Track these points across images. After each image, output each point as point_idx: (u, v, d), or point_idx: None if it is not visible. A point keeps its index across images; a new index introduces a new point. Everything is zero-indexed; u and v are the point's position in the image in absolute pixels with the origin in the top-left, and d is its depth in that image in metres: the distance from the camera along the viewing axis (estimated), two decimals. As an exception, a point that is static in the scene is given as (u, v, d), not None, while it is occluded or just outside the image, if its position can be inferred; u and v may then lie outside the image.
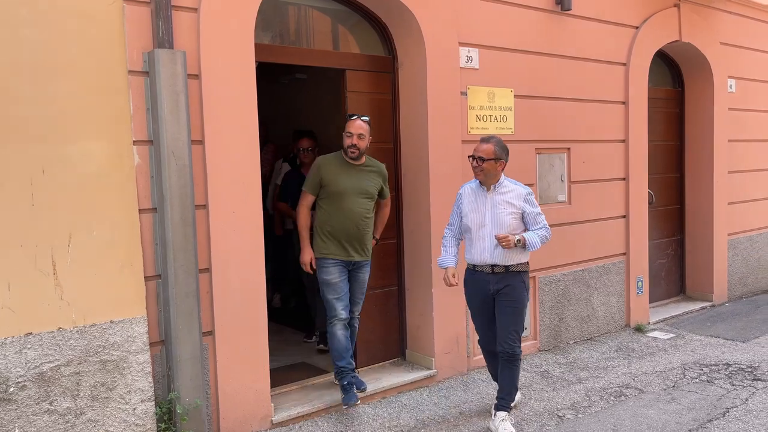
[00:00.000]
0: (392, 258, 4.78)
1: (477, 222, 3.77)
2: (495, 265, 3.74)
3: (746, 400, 4.26)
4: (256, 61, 3.79)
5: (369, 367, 4.67)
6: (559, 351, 5.35)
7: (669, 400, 4.29)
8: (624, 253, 5.94)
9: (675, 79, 6.97)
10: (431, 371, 4.61)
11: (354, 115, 4.08)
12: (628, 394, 4.42)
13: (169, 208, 3.35)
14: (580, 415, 4.06)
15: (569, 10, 5.24)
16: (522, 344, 5.11)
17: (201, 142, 3.53)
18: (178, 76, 3.36)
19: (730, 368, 4.87)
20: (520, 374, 4.47)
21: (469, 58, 4.74)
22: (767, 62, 7.44)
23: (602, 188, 5.70)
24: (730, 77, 6.92)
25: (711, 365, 4.96)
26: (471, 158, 3.72)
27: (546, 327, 5.37)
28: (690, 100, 6.93)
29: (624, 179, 5.90)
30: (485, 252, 3.73)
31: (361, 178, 4.08)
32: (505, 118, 5.00)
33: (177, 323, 3.38)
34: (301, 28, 4.52)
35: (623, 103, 5.85)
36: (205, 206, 3.55)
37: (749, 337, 5.68)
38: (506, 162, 3.77)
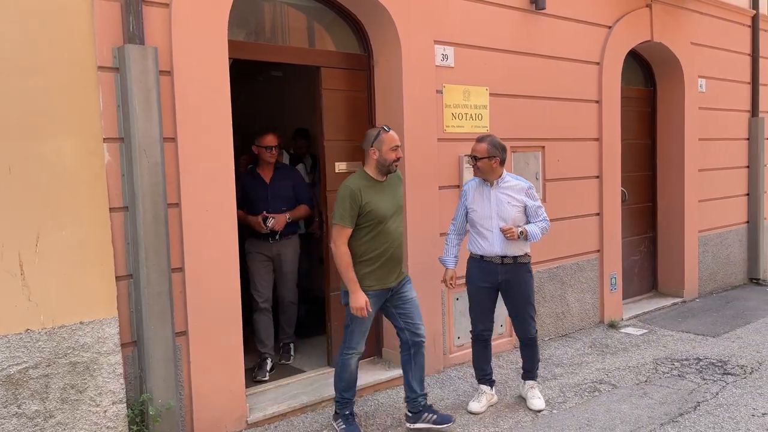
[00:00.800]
0: (368, 256, 4.76)
1: (484, 215, 3.95)
2: (505, 257, 3.95)
3: (716, 394, 4.34)
4: (230, 58, 3.75)
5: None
6: (534, 348, 5.39)
7: (641, 394, 4.35)
8: (598, 251, 6.01)
9: (647, 78, 7.07)
10: (408, 369, 4.60)
11: (387, 126, 3.65)
12: (601, 389, 4.47)
13: (140, 206, 3.30)
14: (554, 411, 4.10)
15: (543, 9, 5.28)
16: (498, 341, 5.17)
17: (173, 139, 3.48)
18: (150, 73, 3.31)
19: (701, 363, 4.96)
20: (497, 371, 4.54)
21: (445, 57, 4.74)
22: (736, 62, 7.60)
23: (576, 186, 5.76)
24: (700, 77, 7.04)
25: (682, 360, 5.04)
26: (468, 157, 3.91)
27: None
28: (662, 100, 7.04)
29: (598, 177, 5.97)
30: (495, 244, 3.93)
31: (395, 194, 3.71)
32: (480, 116, 5.02)
33: (149, 323, 3.33)
34: (277, 25, 4.48)
35: (597, 102, 5.92)
36: (177, 204, 3.50)
37: (719, 332, 5.79)
38: (502, 159, 3.90)
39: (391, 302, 3.75)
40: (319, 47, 4.59)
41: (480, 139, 3.91)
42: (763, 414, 3.98)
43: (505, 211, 3.92)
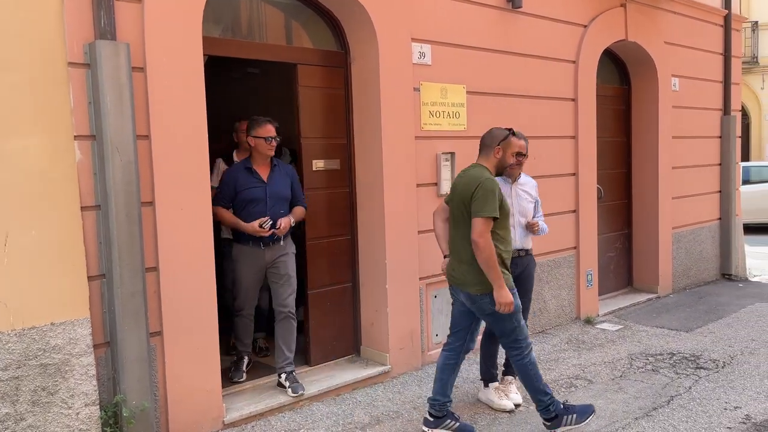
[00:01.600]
0: (346, 255, 4.75)
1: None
2: (521, 250, 4.10)
3: (690, 388, 4.41)
4: (205, 55, 3.71)
5: (323, 364, 4.64)
6: (511, 344, 5.43)
7: (617, 389, 4.41)
8: (574, 247, 6.08)
9: (622, 77, 7.15)
10: (386, 367, 4.61)
11: (517, 132, 3.74)
12: (578, 384, 4.51)
13: (113, 205, 3.25)
14: (531, 407, 4.12)
15: (520, 7, 5.31)
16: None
17: (147, 137, 3.43)
18: (122, 69, 3.25)
19: (675, 357, 5.04)
20: (474, 368, 4.56)
21: (422, 54, 4.74)
22: (709, 61, 7.72)
23: (553, 184, 5.80)
24: (674, 75, 7.15)
25: (656, 355, 5.12)
26: (516, 155, 3.85)
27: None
28: (636, 98, 7.13)
29: (574, 175, 6.02)
30: (516, 239, 4.02)
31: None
32: (457, 114, 5.03)
33: (123, 324, 3.28)
34: (253, 22, 4.44)
35: (573, 100, 5.97)
36: (151, 203, 3.45)
37: (692, 327, 5.89)
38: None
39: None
40: (296, 44, 4.56)
41: (522, 137, 4.03)
42: (735, 407, 4.06)
43: (524, 208, 4.13)
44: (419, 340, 4.83)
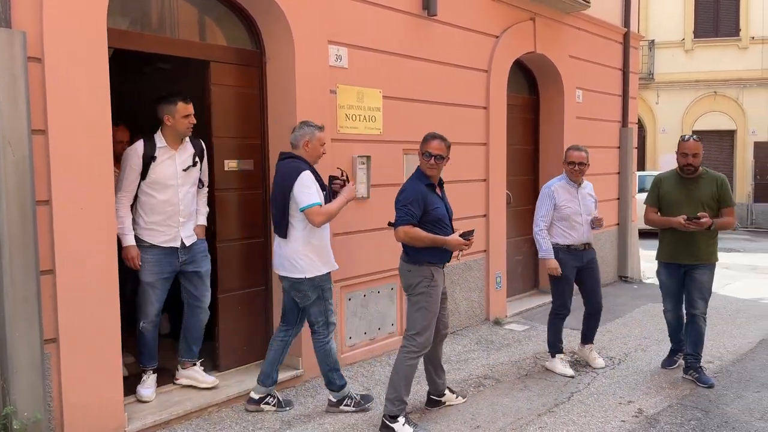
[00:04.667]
0: (259, 258, 4.67)
1: (575, 211, 4.85)
2: (587, 243, 4.92)
3: (588, 384, 4.66)
4: (110, 48, 3.53)
5: (234, 369, 4.54)
6: (423, 346, 5.52)
7: (522, 387, 4.58)
8: (484, 251, 6.27)
9: (531, 87, 7.47)
10: (298, 371, 4.57)
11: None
12: (486, 384, 4.66)
13: (5, 203, 3.03)
14: (441, 407, 4.22)
15: (435, 15, 5.43)
16: (389, 340, 5.24)
17: (44, 131, 3.22)
18: (17, 59, 3.05)
19: (576, 356, 5.30)
20: (387, 370, 4.61)
21: (339, 57, 4.75)
22: (609, 76, 8.21)
23: (465, 189, 5.96)
24: (578, 88, 7.54)
25: (575, 375, 5.35)
26: (572, 164, 4.83)
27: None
28: (543, 108, 7.47)
29: (485, 180, 6.22)
30: (584, 234, 4.88)
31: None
32: (374, 118, 5.07)
33: (13, 330, 3.07)
34: (164, 16, 4.27)
35: (485, 108, 6.16)
36: (48, 202, 3.25)
37: (592, 327, 6.21)
38: (589, 166, 4.93)
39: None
40: (209, 41, 4.44)
41: (579, 148, 4.89)
42: (629, 402, 4.32)
43: (588, 207, 4.94)
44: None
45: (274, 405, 4.08)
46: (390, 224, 3.83)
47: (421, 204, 3.74)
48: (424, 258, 3.79)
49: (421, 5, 5.37)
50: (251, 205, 4.60)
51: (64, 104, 3.27)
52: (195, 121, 4.02)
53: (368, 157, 4.99)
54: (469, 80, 5.96)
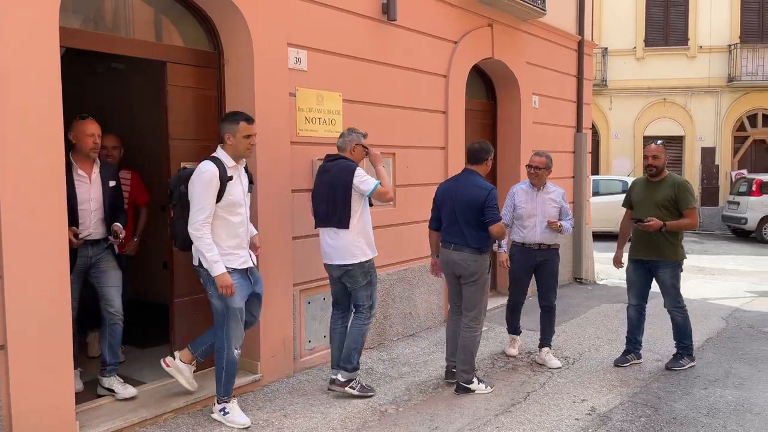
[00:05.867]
0: (217, 260, 4.61)
1: (529, 212, 5.07)
2: (541, 244, 5.10)
3: (544, 384, 4.76)
4: (62, 47, 3.44)
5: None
6: (383, 348, 5.55)
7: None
8: (443, 253, 6.32)
9: (489, 92, 7.59)
10: (256, 376, 4.53)
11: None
12: (444, 385, 4.70)
13: (-51, 206, 2.92)
14: (400, 409, 4.25)
15: (395, 20, 5.47)
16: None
17: (-9, 132, 3.12)
18: (-38, 56, 2.94)
19: (532, 356, 5.41)
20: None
21: (298, 60, 4.74)
22: (565, 82, 8.40)
23: (424, 192, 5.99)
24: (534, 94, 7.70)
25: (516, 354, 5.45)
26: (529, 167, 5.09)
27: (372, 325, 5.53)
28: (501, 113, 7.60)
29: (444, 184, 6.27)
30: (537, 235, 5.07)
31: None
32: (333, 121, 5.08)
33: (-42, 338, 2.95)
34: (119, 15, 4.19)
35: (444, 112, 6.24)
36: (-5, 205, 3.14)
37: (548, 328, 6.34)
38: (550, 170, 5.14)
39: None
40: (166, 41, 4.37)
41: (539, 154, 5.12)
42: (582, 400, 4.44)
43: (546, 210, 5.09)
44: (292, 347, 4.79)
45: (357, 390, 4.37)
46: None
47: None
48: (487, 249, 4.48)
49: (381, 10, 5.40)
50: (209, 208, 4.54)
51: (11, 105, 3.16)
52: (255, 143, 3.96)
53: (328, 160, 4.98)
54: (428, 85, 6.02)
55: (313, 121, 4.91)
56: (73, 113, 3.94)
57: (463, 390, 4.49)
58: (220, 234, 3.74)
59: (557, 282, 5.32)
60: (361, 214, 4.27)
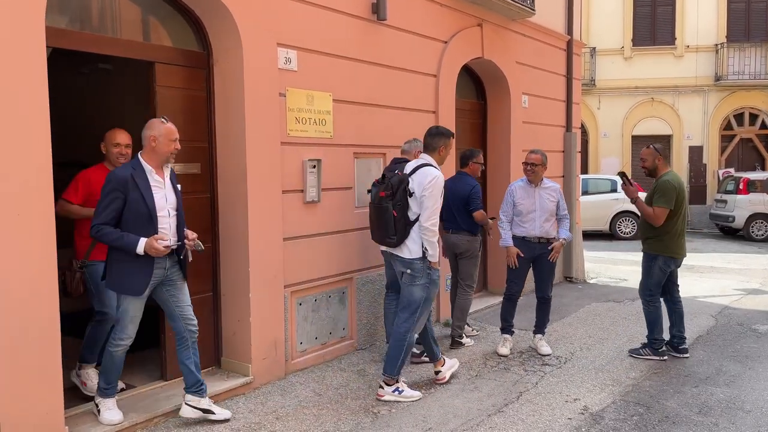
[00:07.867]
0: (207, 263, 4.57)
1: (529, 208, 5.33)
2: (540, 237, 5.36)
3: (536, 383, 4.76)
4: (48, 47, 3.40)
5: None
6: (375, 349, 5.52)
7: (472, 388, 4.64)
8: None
9: (479, 92, 7.59)
10: (248, 378, 4.49)
11: None
12: (437, 386, 4.69)
13: (-67, 209, 2.87)
14: (393, 410, 4.23)
15: (384, 20, 5.45)
16: (339, 344, 5.24)
17: (-24, 134, 3.07)
18: (-54, 57, 2.89)
19: (524, 356, 5.41)
20: (339, 375, 4.62)
21: (288, 60, 4.71)
22: (554, 82, 8.42)
23: (415, 192, 5.99)
24: (524, 93, 7.70)
25: (508, 354, 5.45)
26: (524, 164, 5.36)
27: (363, 326, 5.52)
28: (491, 113, 7.60)
29: (434, 184, 6.26)
30: (536, 228, 5.33)
31: None
32: (324, 121, 5.05)
33: (-57, 344, 2.90)
34: (106, 15, 4.14)
35: (434, 112, 6.22)
36: (-19, 208, 3.09)
37: (539, 327, 6.34)
38: (546, 168, 5.38)
39: None
40: (154, 41, 4.33)
41: (535, 151, 5.36)
42: (575, 399, 4.44)
43: (545, 205, 5.34)
44: (283, 349, 4.76)
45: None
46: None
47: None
48: (476, 231, 5.49)
49: (371, 10, 5.38)
50: (198, 210, 4.51)
51: (-2, 105, 3.12)
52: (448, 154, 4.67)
53: (319, 161, 4.96)
54: (418, 85, 6.01)
55: (304, 122, 4.88)
56: (59, 114, 3.89)
57: (457, 344, 5.58)
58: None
59: (554, 275, 5.56)
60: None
